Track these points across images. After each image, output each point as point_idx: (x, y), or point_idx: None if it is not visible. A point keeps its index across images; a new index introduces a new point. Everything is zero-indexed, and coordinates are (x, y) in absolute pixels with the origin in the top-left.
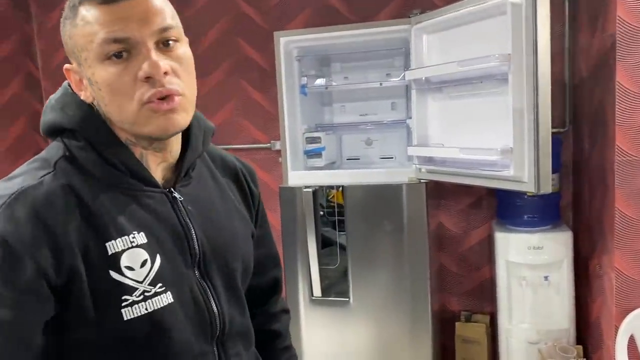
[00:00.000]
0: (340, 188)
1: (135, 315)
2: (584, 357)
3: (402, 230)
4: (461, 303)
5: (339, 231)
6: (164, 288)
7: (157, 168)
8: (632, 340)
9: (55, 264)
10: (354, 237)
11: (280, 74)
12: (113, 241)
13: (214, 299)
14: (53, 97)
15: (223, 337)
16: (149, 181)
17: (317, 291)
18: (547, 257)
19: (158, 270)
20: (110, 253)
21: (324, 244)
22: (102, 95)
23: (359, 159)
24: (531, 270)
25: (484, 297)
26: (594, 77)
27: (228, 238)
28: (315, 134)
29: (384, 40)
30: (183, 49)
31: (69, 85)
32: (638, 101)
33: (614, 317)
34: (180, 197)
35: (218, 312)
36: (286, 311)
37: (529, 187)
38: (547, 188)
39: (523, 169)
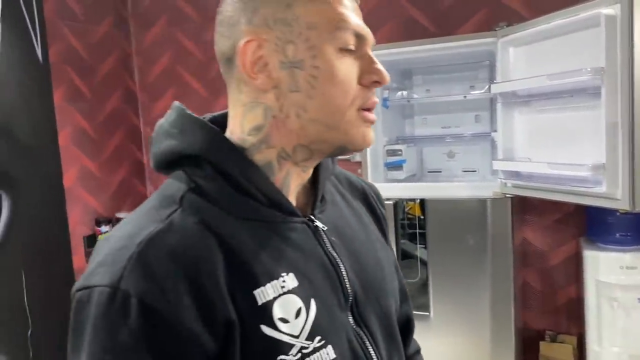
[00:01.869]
0: (418, 200)
1: None
2: None
3: (485, 245)
4: (545, 322)
5: (418, 244)
6: (323, 342)
7: (294, 192)
8: None
9: (208, 326)
10: (435, 251)
11: None
12: (262, 288)
13: (373, 350)
14: (165, 122)
15: None
16: (288, 209)
17: None
18: None
19: (315, 319)
20: (260, 303)
21: (402, 256)
22: (313, 84)
23: (440, 171)
24: (624, 292)
25: (570, 317)
26: None
27: (376, 272)
28: (396, 147)
29: (467, 53)
30: None
31: (180, 106)
32: None
33: None
34: (323, 227)
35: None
36: (419, 351)
37: (622, 205)
38: None
39: (617, 186)
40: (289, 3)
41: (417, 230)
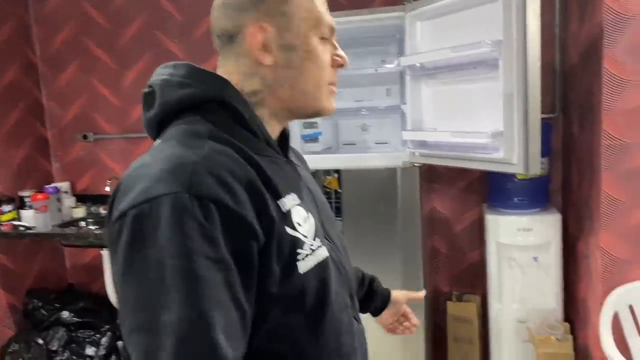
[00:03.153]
0: (336, 174)
1: (308, 268)
2: (571, 333)
3: (396, 212)
4: (453, 284)
5: (335, 217)
6: (320, 243)
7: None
8: (616, 317)
9: (260, 222)
10: (350, 221)
11: None
12: (283, 198)
13: (343, 257)
14: (171, 76)
15: (352, 290)
16: (277, 149)
17: None
18: (536, 238)
19: (315, 226)
20: (284, 210)
21: None
22: (303, 64)
23: (355, 144)
24: (521, 252)
25: (475, 279)
26: (583, 64)
27: (327, 206)
28: (312, 119)
29: (378, 27)
30: None
31: (188, 63)
32: (624, 86)
33: (599, 295)
34: (297, 164)
35: (347, 268)
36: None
37: (518, 169)
38: (536, 170)
39: (513, 152)
40: (287, 0)
41: (334, 202)
